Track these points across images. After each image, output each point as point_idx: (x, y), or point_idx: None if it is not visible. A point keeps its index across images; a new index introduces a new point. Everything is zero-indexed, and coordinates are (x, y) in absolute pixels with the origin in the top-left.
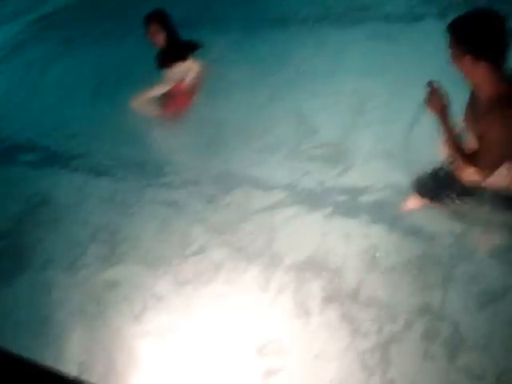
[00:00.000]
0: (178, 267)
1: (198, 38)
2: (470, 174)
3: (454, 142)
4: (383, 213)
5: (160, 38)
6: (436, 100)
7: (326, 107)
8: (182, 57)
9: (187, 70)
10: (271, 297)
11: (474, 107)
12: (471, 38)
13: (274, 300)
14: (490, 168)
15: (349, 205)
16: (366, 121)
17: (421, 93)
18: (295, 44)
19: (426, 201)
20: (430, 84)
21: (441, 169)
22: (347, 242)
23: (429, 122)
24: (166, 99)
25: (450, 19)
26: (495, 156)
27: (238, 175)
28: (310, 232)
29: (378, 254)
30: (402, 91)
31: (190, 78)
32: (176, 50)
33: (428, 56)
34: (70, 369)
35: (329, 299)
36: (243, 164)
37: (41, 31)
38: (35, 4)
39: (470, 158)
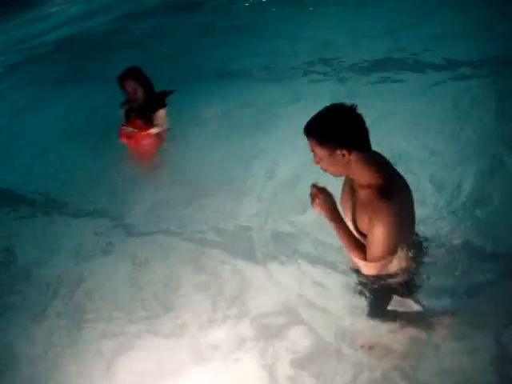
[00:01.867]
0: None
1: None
2: (366, 268)
3: (347, 237)
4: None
5: (139, 94)
6: (321, 201)
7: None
8: (162, 105)
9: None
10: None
11: (348, 192)
12: (336, 135)
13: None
14: (378, 260)
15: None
16: None
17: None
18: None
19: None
20: (313, 186)
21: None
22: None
23: None
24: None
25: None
26: (382, 247)
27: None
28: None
29: None
30: None
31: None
32: (155, 102)
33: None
34: None
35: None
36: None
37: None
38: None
39: (363, 252)
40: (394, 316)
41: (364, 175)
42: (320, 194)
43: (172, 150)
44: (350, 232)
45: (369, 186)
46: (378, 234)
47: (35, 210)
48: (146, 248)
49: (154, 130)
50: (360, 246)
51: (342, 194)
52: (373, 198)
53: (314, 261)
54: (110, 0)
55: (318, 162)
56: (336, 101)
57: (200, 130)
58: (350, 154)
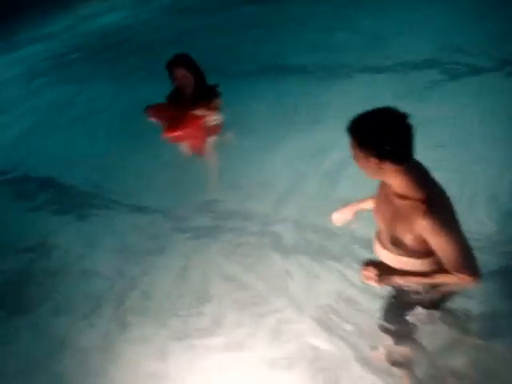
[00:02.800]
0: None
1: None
2: (458, 284)
3: (419, 277)
4: None
5: (189, 82)
6: (372, 273)
7: None
8: (216, 95)
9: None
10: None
11: (384, 197)
12: (374, 141)
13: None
14: (471, 267)
15: None
16: None
17: None
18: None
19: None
20: (363, 264)
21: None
22: None
23: None
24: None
25: None
26: (463, 255)
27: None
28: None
29: None
30: None
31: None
32: (208, 91)
33: None
34: None
35: None
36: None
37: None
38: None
39: (445, 272)
40: (408, 325)
41: (399, 185)
42: (371, 270)
43: (223, 143)
44: (421, 273)
45: (406, 198)
46: (449, 247)
47: (80, 204)
48: (196, 248)
49: (208, 122)
50: (445, 273)
51: (377, 198)
52: (415, 215)
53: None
54: None
55: (354, 160)
56: (393, 100)
57: (252, 124)
58: (383, 164)
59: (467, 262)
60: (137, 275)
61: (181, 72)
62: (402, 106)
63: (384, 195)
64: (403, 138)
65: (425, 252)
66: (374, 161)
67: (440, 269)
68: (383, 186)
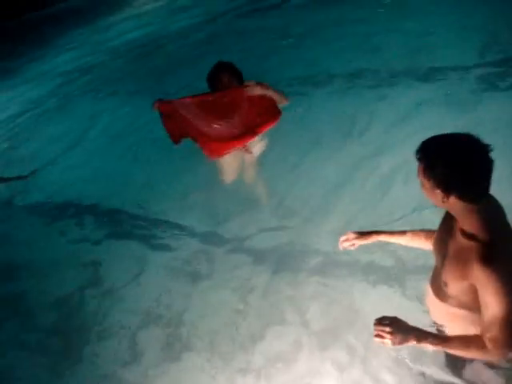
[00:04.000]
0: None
1: None
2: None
3: (452, 346)
4: None
5: (235, 87)
6: (393, 337)
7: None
8: None
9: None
10: None
11: (447, 230)
12: (442, 171)
13: None
14: (507, 345)
15: None
16: None
17: None
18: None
19: None
20: (376, 324)
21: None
22: None
23: None
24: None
25: None
26: (508, 321)
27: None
28: None
29: None
30: None
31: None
32: None
33: None
34: None
35: None
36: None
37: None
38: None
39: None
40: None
41: (464, 222)
42: (386, 329)
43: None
44: (447, 338)
45: (470, 237)
46: (497, 307)
47: (121, 228)
48: (240, 273)
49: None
50: (470, 341)
51: (439, 229)
52: (474, 259)
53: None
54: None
55: (420, 185)
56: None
57: (282, 137)
58: (449, 198)
59: (508, 335)
60: (185, 301)
61: (226, 77)
62: (450, 115)
63: (448, 227)
64: (478, 173)
65: (466, 305)
66: (439, 193)
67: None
68: (449, 216)
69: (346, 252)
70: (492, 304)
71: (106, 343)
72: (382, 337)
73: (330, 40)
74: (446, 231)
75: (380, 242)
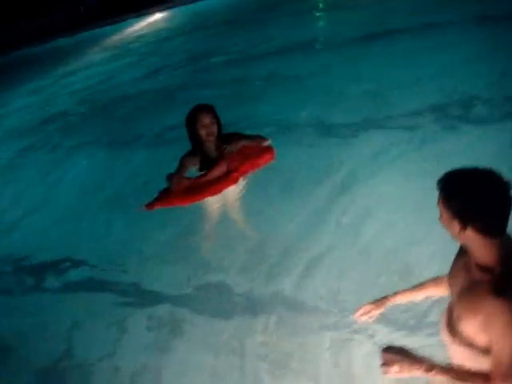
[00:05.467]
0: None
1: None
2: None
3: (453, 377)
4: None
5: (215, 129)
6: (398, 368)
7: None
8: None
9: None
10: None
11: (462, 267)
12: (461, 202)
13: None
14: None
15: None
16: None
17: None
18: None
19: None
20: (382, 353)
21: None
22: None
23: None
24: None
25: None
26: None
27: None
28: None
29: None
30: None
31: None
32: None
33: None
34: None
35: None
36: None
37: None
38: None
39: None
40: None
41: (479, 255)
42: (393, 357)
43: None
44: (455, 371)
45: (484, 270)
46: (506, 346)
47: (86, 289)
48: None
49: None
50: (478, 378)
51: (454, 265)
52: (487, 292)
53: None
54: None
55: (439, 215)
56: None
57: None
58: (467, 230)
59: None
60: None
61: (209, 118)
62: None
63: (462, 262)
64: (496, 207)
65: (476, 346)
66: (456, 224)
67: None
68: (463, 252)
69: None
70: (503, 338)
71: None
72: (388, 365)
73: (293, 90)
74: (460, 266)
75: (396, 304)
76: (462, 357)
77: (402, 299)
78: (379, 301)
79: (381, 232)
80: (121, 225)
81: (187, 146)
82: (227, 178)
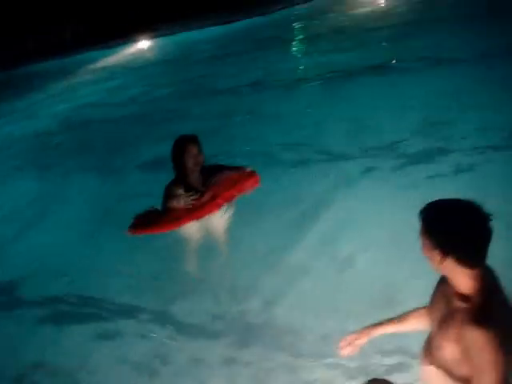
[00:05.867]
0: None
1: None
2: None
3: None
4: None
5: (201, 160)
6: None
7: None
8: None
9: None
10: None
11: (441, 298)
12: (442, 233)
13: None
14: None
15: None
16: None
17: None
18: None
19: None
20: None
21: None
22: None
23: None
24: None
25: None
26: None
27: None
28: None
29: None
30: None
31: None
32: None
33: None
34: None
35: None
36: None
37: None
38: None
39: None
40: None
41: (460, 285)
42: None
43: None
44: None
45: (465, 299)
46: (485, 376)
47: (63, 314)
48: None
49: None
50: None
51: (434, 294)
52: (468, 321)
53: None
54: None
55: (421, 245)
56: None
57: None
58: (446, 260)
59: None
60: None
61: (196, 149)
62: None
63: (443, 292)
64: (476, 239)
65: (456, 375)
66: (437, 253)
67: None
68: (444, 281)
69: None
70: (483, 368)
71: None
72: None
73: (272, 124)
74: (440, 296)
75: (381, 335)
76: None
77: (384, 330)
78: (362, 332)
79: (357, 259)
80: (102, 247)
81: (164, 173)
82: (211, 204)
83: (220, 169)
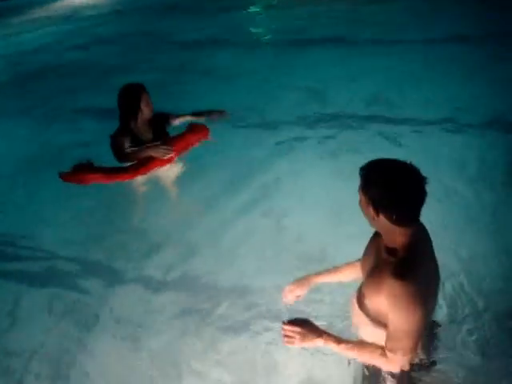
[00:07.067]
0: None
1: None
2: (388, 365)
3: (353, 351)
4: None
5: (152, 108)
6: (300, 338)
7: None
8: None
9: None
10: None
11: (374, 249)
12: (377, 191)
13: None
14: (401, 355)
15: None
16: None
17: None
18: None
19: None
20: (284, 324)
21: None
22: None
23: None
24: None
25: None
26: (406, 339)
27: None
28: None
29: None
30: None
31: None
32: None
33: None
34: None
35: None
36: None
37: None
38: None
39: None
40: None
41: (389, 240)
42: (297, 329)
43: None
44: (353, 344)
45: (391, 253)
46: (399, 324)
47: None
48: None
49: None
50: (374, 350)
51: (367, 247)
52: (388, 273)
53: None
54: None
55: (359, 200)
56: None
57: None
58: (378, 216)
59: (407, 348)
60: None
61: (148, 97)
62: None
63: (375, 245)
64: (408, 200)
65: (380, 322)
66: (371, 210)
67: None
68: (377, 235)
69: None
70: (395, 316)
71: None
72: (290, 337)
73: (225, 83)
74: (372, 249)
75: (320, 283)
76: (368, 332)
77: (322, 279)
78: (301, 280)
79: (301, 222)
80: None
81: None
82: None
83: (165, 117)
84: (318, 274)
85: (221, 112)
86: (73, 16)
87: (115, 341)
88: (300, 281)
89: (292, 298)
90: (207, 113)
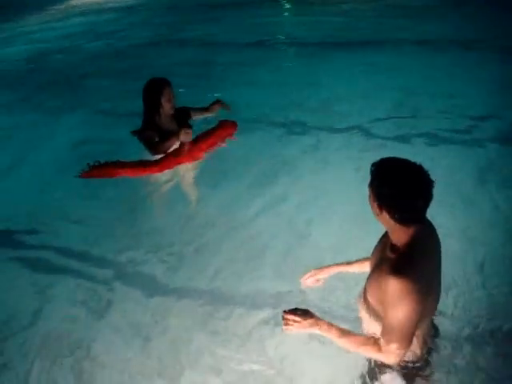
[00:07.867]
0: None
1: None
2: (384, 358)
3: (349, 342)
4: None
5: (175, 103)
6: (299, 325)
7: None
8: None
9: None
10: None
11: (380, 246)
12: (383, 189)
13: None
14: (395, 349)
15: None
16: None
17: None
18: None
19: None
20: (284, 313)
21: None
22: None
23: None
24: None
25: None
26: (399, 333)
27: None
28: None
29: None
30: None
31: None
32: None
33: None
34: None
35: None
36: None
37: None
38: None
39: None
40: None
41: (393, 236)
42: (296, 318)
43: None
44: (349, 334)
45: (394, 250)
46: (393, 318)
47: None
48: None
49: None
50: (368, 341)
51: (377, 244)
52: (388, 269)
53: None
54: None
55: (368, 200)
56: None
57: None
58: (382, 212)
59: (400, 341)
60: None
61: (172, 92)
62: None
63: (383, 242)
64: (412, 201)
65: (379, 316)
66: (375, 205)
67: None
68: (387, 233)
69: None
70: (389, 309)
71: None
72: (288, 324)
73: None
74: (380, 246)
75: (341, 273)
76: (371, 326)
77: (339, 270)
78: (322, 267)
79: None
80: (60, 190)
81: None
82: (193, 152)
83: (187, 111)
84: (336, 264)
85: (221, 103)
86: (97, 11)
87: (115, 338)
88: (321, 268)
89: (312, 281)
90: (210, 107)
